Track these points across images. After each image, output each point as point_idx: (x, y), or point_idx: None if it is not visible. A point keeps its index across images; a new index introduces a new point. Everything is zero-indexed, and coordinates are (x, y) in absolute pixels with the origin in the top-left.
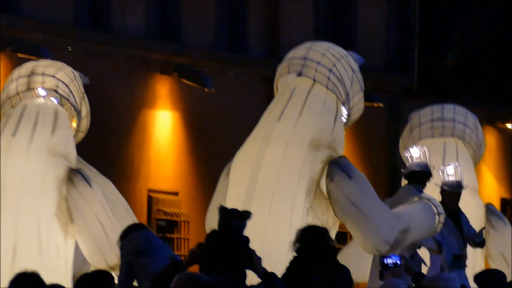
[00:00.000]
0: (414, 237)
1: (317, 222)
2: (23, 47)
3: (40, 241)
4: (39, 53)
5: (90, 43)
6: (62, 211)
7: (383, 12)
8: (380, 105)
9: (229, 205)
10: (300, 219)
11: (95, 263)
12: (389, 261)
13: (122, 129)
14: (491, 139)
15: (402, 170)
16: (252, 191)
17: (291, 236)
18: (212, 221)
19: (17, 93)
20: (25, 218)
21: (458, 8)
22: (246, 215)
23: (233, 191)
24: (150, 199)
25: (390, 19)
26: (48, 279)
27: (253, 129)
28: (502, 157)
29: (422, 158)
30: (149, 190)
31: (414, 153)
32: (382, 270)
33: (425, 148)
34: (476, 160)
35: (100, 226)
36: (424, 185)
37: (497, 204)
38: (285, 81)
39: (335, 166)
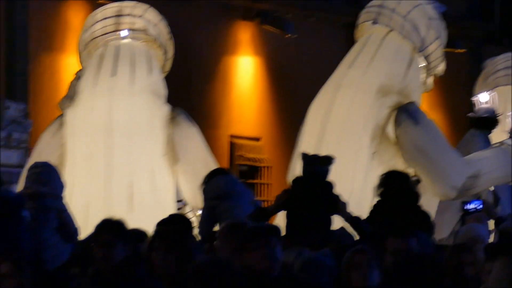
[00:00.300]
0: (487, 183)
1: (384, 167)
2: None
3: (155, 180)
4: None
5: None
6: (168, 151)
7: None
8: (462, 51)
9: (302, 150)
10: (365, 164)
11: (195, 202)
12: (470, 206)
13: (204, 75)
14: None
15: (468, 115)
16: (321, 137)
17: (355, 180)
18: (294, 167)
19: (104, 33)
20: (139, 157)
21: None
22: (328, 160)
23: (305, 137)
24: (232, 145)
25: None
26: (160, 217)
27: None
28: None
29: (490, 103)
30: (231, 136)
31: (483, 98)
32: (464, 215)
33: (495, 94)
34: None
35: (205, 164)
36: (489, 132)
37: None
38: (364, 29)
39: (403, 112)
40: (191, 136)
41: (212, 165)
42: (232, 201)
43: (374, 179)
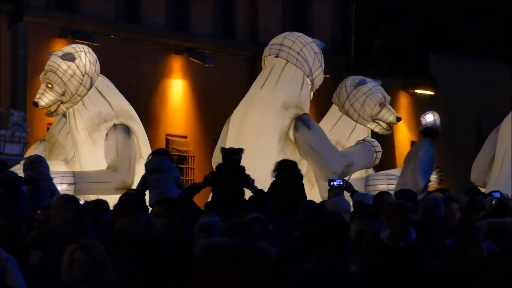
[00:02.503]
0: (357, 169)
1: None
2: (80, 35)
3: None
4: (92, 39)
5: (126, 32)
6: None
7: (329, 12)
8: (327, 76)
9: (228, 146)
10: (274, 158)
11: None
12: (335, 183)
13: (149, 92)
14: (405, 101)
15: (420, 129)
16: (238, 139)
17: (267, 170)
18: (216, 157)
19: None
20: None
21: (384, 11)
22: (240, 151)
23: (230, 138)
24: (167, 141)
25: (335, 15)
26: None
27: (241, 94)
28: (413, 115)
29: (433, 121)
30: (167, 135)
31: (428, 118)
32: (330, 189)
33: (436, 114)
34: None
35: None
36: (433, 139)
37: (408, 145)
38: (269, 59)
39: (299, 121)
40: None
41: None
42: (159, 174)
43: None
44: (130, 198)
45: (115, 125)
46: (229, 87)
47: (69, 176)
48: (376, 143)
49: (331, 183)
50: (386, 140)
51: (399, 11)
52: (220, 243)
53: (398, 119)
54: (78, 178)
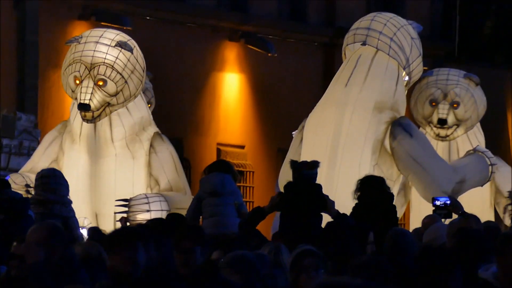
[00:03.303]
0: (469, 187)
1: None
2: (106, 17)
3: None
4: (121, 22)
5: (166, 13)
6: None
7: None
8: (425, 68)
9: (303, 158)
10: (367, 174)
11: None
12: (439, 201)
13: (194, 89)
14: None
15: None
16: (332, 151)
17: None
18: (285, 174)
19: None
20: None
21: None
22: (314, 164)
23: (309, 151)
24: (219, 151)
25: None
26: None
27: (314, 92)
28: None
29: None
30: (218, 144)
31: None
32: (434, 210)
33: None
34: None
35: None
36: None
37: None
38: (352, 48)
39: (397, 126)
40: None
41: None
42: (217, 198)
43: None
44: (130, 229)
45: (158, 134)
46: (299, 82)
47: (164, 201)
48: (490, 153)
49: (435, 202)
50: (502, 150)
51: None
52: (337, 283)
53: (440, 121)
54: (170, 204)
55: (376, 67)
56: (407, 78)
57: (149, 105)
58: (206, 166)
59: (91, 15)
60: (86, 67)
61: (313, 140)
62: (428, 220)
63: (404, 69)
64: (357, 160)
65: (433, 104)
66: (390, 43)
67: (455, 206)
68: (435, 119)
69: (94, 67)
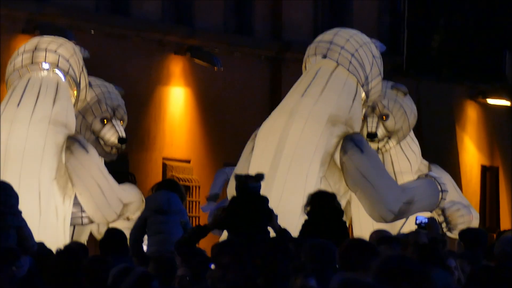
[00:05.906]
0: (417, 210)
1: (329, 190)
2: (50, 31)
3: (40, 202)
4: (65, 36)
5: (110, 27)
6: (61, 175)
7: (375, 0)
8: None
9: (254, 171)
10: (313, 186)
11: (96, 220)
12: (418, 221)
13: (139, 103)
14: (472, 112)
15: None
16: (274, 159)
17: (304, 201)
18: (232, 188)
19: (22, 66)
20: (27, 182)
21: None
22: (259, 177)
23: (256, 159)
24: (164, 166)
25: (382, 5)
26: (46, 236)
27: (260, 106)
28: (482, 129)
29: None
30: (164, 158)
31: None
32: (418, 227)
33: None
34: None
35: (98, 188)
36: None
37: (478, 170)
38: (313, 61)
39: (349, 141)
40: (84, 163)
41: (106, 187)
42: (163, 216)
43: None
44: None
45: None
46: (245, 96)
47: None
48: (442, 180)
49: (416, 221)
50: (450, 164)
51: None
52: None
53: (369, 135)
54: None
55: (335, 81)
56: (363, 95)
57: (121, 122)
58: (154, 184)
59: (35, 29)
60: None
61: (262, 148)
62: (375, 235)
63: (362, 86)
64: (305, 171)
65: (361, 118)
66: (351, 59)
67: (432, 227)
68: (364, 133)
69: None
